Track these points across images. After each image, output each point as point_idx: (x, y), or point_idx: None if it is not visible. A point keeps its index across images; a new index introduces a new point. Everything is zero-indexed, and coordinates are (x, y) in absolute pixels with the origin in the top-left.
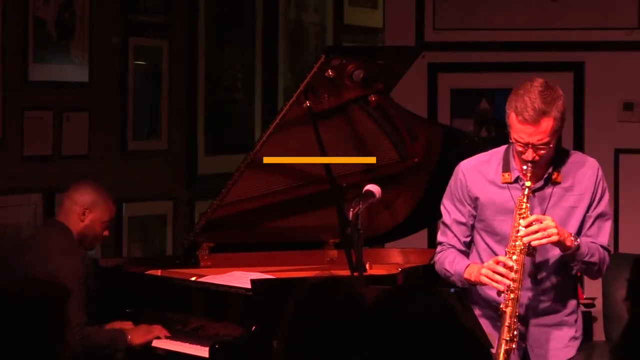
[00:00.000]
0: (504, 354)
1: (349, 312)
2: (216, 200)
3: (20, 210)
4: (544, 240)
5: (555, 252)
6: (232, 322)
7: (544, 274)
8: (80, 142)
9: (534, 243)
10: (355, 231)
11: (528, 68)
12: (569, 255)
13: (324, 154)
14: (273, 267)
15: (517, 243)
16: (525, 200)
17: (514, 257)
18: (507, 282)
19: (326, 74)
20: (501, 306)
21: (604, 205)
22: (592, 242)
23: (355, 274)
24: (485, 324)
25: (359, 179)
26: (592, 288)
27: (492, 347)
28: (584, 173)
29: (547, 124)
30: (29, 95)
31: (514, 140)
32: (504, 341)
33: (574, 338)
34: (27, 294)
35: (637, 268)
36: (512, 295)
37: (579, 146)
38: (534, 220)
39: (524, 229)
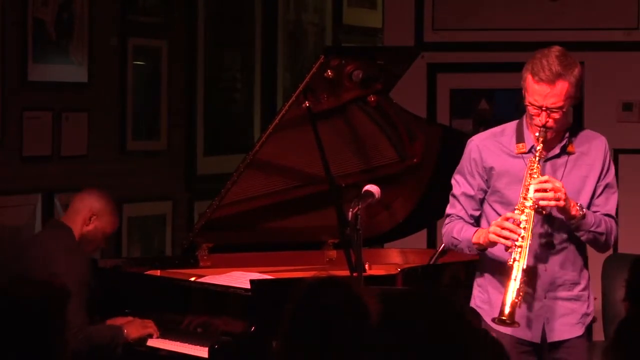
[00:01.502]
0: (510, 307)
1: (347, 312)
2: (215, 201)
3: (19, 211)
4: (552, 203)
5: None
6: (231, 322)
7: (559, 245)
8: (80, 143)
9: (542, 202)
10: (354, 231)
11: None
12: (575, 224)
13: (323, 154)
14: (272, 268)
15: (526, 203)
16: (537, 161)
17: (523, 214)
18: (515, 236)
19: (325, 74)
20: (509, 260)
21: (611, 176)
22: (599, 212)
23: (354, 274)
24: (495, 285)
25: (358, 179)
26: (592, 288)
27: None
28: (595, 144)
29: (562, 86)
30: (28, 95)
31: (528, 104)
32: (509, 293)
33: (586, 314)
34: (27, 295)
35: (636, 268)
36: (519, 250)
37: None
38: (545, 181)
39: (534, 186)
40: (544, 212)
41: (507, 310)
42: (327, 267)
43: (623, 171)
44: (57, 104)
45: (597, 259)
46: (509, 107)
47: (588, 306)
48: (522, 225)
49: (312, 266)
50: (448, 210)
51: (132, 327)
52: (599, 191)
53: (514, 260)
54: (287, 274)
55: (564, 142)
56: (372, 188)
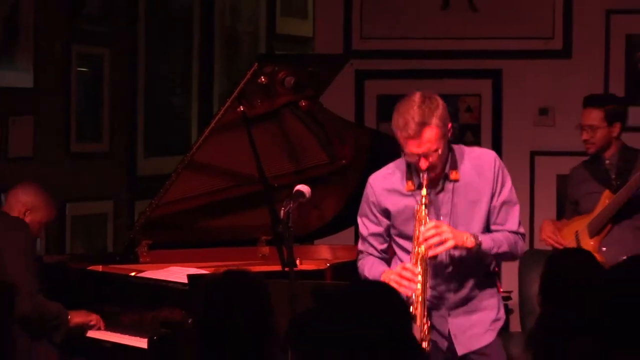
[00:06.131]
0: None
1: (248, 304)
2: (155, 200)
3: None
4: (439, 249)
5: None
6: (169, 315)
7: (457, 266)
8: (26, 145)
9: (430, 253)
10: (286, 229)
11: (450, 75)
12: (475, 253)
13: (257, 156)
14: (209, 263)
15: (418, 250)
16: (423, 207)
17: (418, 267)
18: (414, 287)
19: (259, 80)
20: (411, 309)
21: (507, 192)
22: (500, 230)
23: (286, 269)
24: None
25: (290, 180)
26: (509, 282)
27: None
28: (481, 166)
29: (430, 133)
30: None
31: (406, 154)
32: (416, 330)
33: (496, 320)
34: None
35: (549, 264)
36: (420, 299)
37: (497, 149)
38: (432, 227)
39: (421, 235)
40: (436, 258)
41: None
42: (261, 262)
43: (538, 172)
44: (3, 108)
45: None
46: None
47: (498, 312)
48: (418, 278)
49: (246, 261)
50: (359, 247)
51: (76, 314)
52: (495, 212)
53: (416, 309)
54: (223, 268)
55: (443, 174)
56: (303, 188)
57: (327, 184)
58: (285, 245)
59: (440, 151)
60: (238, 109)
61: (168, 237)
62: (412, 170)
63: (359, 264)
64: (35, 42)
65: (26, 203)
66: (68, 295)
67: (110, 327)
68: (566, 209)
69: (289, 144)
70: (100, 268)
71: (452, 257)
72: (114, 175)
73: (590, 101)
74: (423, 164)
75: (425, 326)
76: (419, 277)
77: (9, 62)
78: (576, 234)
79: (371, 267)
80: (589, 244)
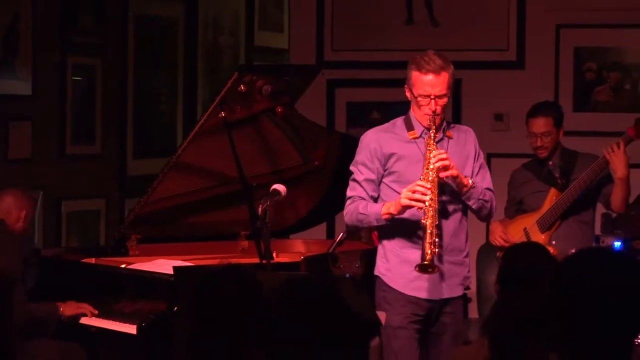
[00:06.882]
0: (429, 255)
1: (242, 297)
2: (143, 198)
3: None
4: (448, 172)
5: (457, 198)
6: (156, 303)
7: (451, 214)
8: (24, 147)
9: (442, 174)
10: (263, 225)
11: None
12: (467, 193)
13: (237, 158)
14: (193, 256)
15: (430, 173)
16: (432, 141)
17: (428, 182)
18: (425, 197)
19: (239, 88)
20: (422, 220)
21: (482, 158)
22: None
23: (263, 261)
24: (396, 254)
25: (267, 180)
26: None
27: (382, 325)
28: (466, 133)
29: (445, 76)
30: None
31: (417, 96)
32: (427, 244)
33: (466, 277)
34: None
35: (507, 255)
36: (430, 209)
37: None
38: (443, 152)
39: (434, 157)
40: (444, 179)
41: (427, 257)
42: (240, 255)
43: (495, 173)
44: (4, 113)
45: (472, 247)
46: (397, 117)
47: (469, 270)
48: (429, 187)
49: (227, 255)
50: (349, 193)
51: (68, 307)
52: (476, 170)
53: (426, 218)
54: (206, 261)
55: (443, 127)
56: (279, 187)
57: (301, 183)
58: (263, 239)
59: (448, 96)
60: (220, 115)
61: (155, 232)
62: (412, 122)
63: (349, 208)
64: (33, 53)
65: (23, 206)
66: (63, 285)
67: (101, 314)
68: (508, 209)
69: (266, 146)
70: (93, 260)
71: (445, 196)
72: (105, 175)
73: (539, 110)
74: (433, 106)
75: (435, 233)
76: (430, 192)
77: (9, 72)
78: (525, 230)
79: (366, 205)
80: (540, 238)
